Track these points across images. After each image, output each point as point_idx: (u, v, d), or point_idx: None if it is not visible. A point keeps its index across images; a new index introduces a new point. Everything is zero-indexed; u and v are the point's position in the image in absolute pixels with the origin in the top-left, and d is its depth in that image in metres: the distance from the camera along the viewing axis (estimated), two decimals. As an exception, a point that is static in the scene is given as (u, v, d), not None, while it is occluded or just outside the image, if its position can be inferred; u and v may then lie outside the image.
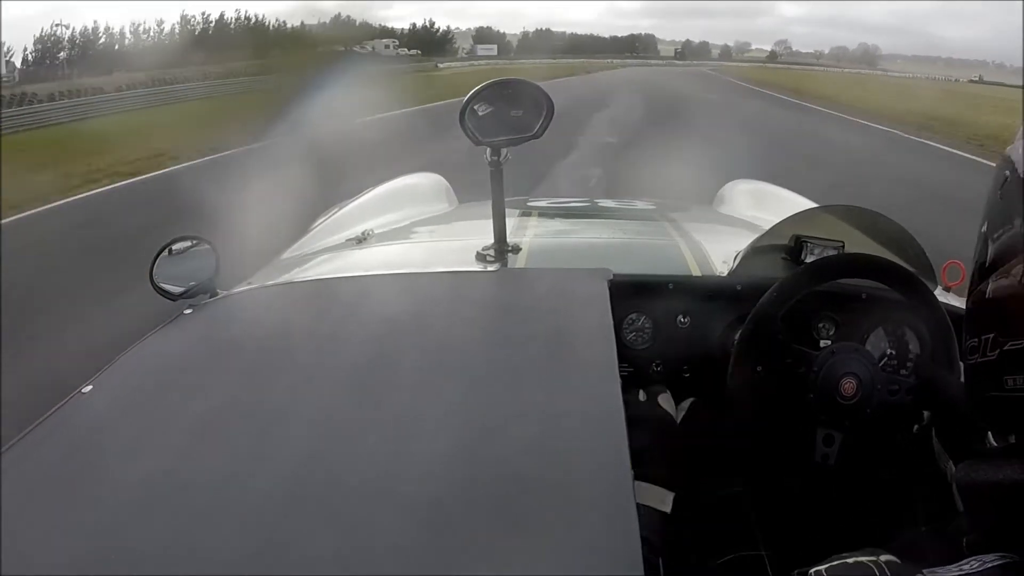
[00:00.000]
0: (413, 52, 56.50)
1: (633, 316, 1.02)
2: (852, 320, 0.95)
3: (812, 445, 0.82)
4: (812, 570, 0.46)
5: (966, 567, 0.42)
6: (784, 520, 0.83)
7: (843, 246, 0.97)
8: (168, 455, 0.58)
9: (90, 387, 0.70)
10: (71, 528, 0.50)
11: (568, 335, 0.76)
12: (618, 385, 0.63)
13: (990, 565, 0.42)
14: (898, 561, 0.45)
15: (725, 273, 1.02)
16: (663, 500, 0.74)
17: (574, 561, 0.45)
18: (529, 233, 1.24)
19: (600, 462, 0.54)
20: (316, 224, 1.65)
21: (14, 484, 0.54)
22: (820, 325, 0.98)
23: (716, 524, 0.86)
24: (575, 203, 1.92)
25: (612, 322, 0.77)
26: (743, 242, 1.04)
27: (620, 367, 0.68)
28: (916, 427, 0.81)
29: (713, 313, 1.00)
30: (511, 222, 1.16)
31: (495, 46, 65.37)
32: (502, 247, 1.06)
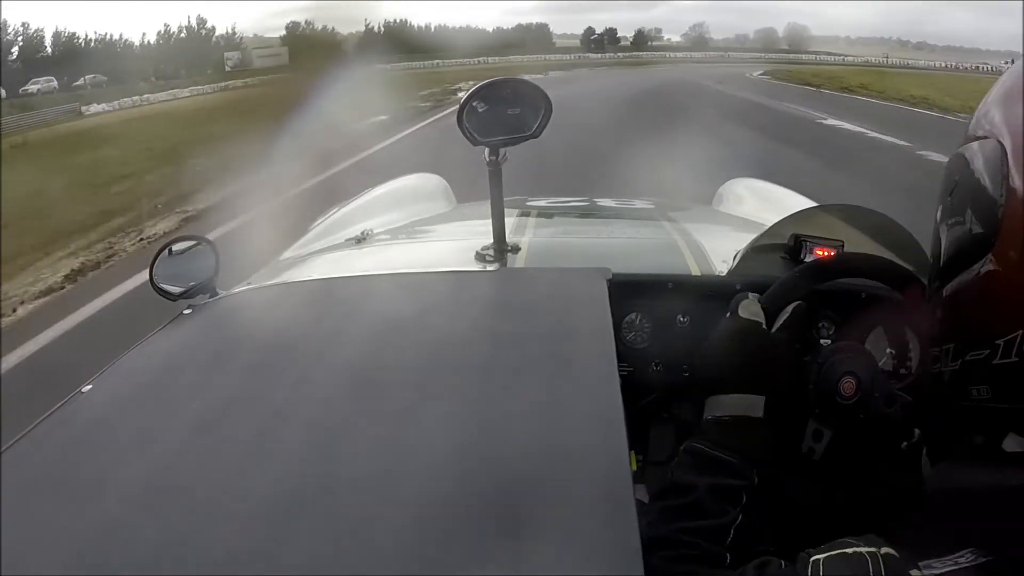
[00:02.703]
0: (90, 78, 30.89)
1: (632, 315, 1.02)
2: (852, 320, 0.95)
3: (800, 436, 0.82)
4: (812, 558, 0.46)
5: (962, 560, 0.42)
6: (774, 506, 0.83)
7: (843, 245, 0.97)
8: (168, 455, 0.58)
9: (90, 387, 0.71)
10: (71, 528, 0.50)
11: (567, 334, 0.76)
12: (617, 384, 0.63)
13: (984, 560, 0.42)
14: (896, 555, 0.44)
15: (725, 272, 1.02)
16: (754, 406, 0.71)
17: (574, 561, 0.45)
18: (528, 233, 1.24)
19: (600, 462, 0.54)
20: (315, 224, 1.65)
21: (14, 484, 0.54)
22: (820, 325, 0.98)
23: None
24: (574, 203, 1.92)
25: (611, 321, 0.77)
26: (743, 241, 1.04)
27: (619, 366, 0.67)
28: (905, 444, 0.81)
29: (713, 312, 1.00)
30: (510, 222, 1.16)
31: (285, 48, 39.66)
32: (501, 247, 1.06)
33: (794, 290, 0.83)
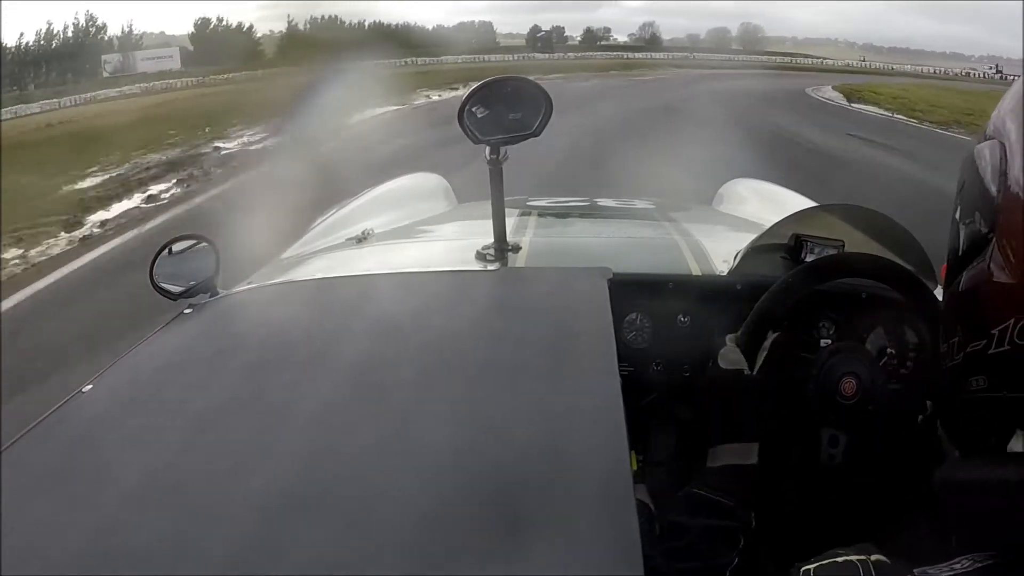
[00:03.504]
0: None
1: (633, 315, 1.02)
2: (852, 320, 0.95)
3: (817, 446, 0.82)
4: (802, 569, 0.47)
5: (957, 566, 0.42)
6: (784, 519, 0.83)
7: (843, 245, 0.97)
8: (168, 454, 0.58)
9: (90, 386, 0.71)
10: (72, 527, 0.50)
11: (568, 334, 0.76)
12: (618, 384, 0.63)
13: (980, 565, 0.42)
14: (888, 561, 0.45)
15: (725, 272, 1.02)
16: (747, 453, 0.74)
17: (574, 561, 0.45)
18: (529, 232, 1.24)
19: (600, 461, 0.54)
20: (316, 224, 1.65)
21: (14, 483, 0.54)
22: (820, 325, 0.98)
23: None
24: (575, 202, 1.92)
25: (612, 321, 0.77)
26: (743, 241, 1.04)
27: (620, 366, 0.67)
28: (920, 417, 0.80)
29: (713, 312, 1.00)
30: (511, 221, 1.16)
31: (176, 50, 33.27)
32: (502, 246, 1.06)
33: (794, 291, 0.83)
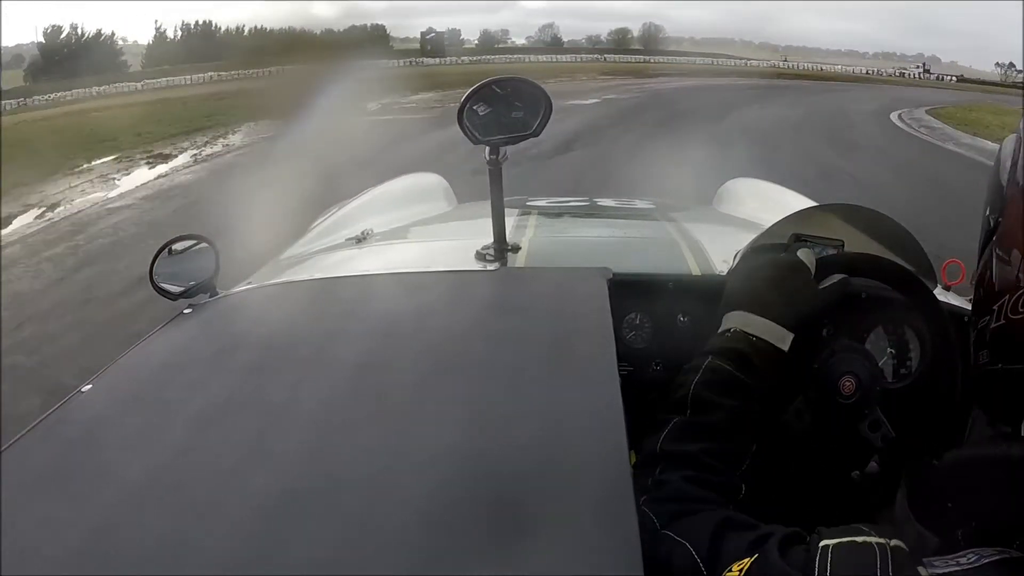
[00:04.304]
0: None
1: (633, 315, 1.02)
2: (852, 320, 0.95)
3: (864, 444, 0.80)
4: (822, 543, 0.46)
5: (963, 560, 0.42)
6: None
7: (843, 245, 0.97)
8: (168, 454, 0.58)
9: (90, 386, 0.70)
10: (71, 527, 0.50)
11: (568, 334, 0.76)
12: (617, 384, 0.63)
13: (987, 561, 0.42)
14: (905, 548, 0.45)
15: (725, 272, 1.02)
16: (782, 338, 0.71)
17: (574, 561, 0.45)
18: (529, 232, 1.24)
19: (599, 461, 0.54)
20: (316, 224, 1.65)
21: (14, 483, 0.54)
22: (820, 324, 0.98)
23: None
24: (574, 202, 1.92)
25: (611, 321, 0.77)
26: (743, 241, 1.04)
27: (620, 366, 0.67)
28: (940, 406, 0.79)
29: (713, 312, 1.00)
30: (511, 221, 1.16)
31: None
32: (502, 246, 1.06)
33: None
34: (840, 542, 0.46)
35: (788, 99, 15.99)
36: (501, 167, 0.99)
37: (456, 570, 0.44)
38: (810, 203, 1.49)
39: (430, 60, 32.16)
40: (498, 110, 0.95)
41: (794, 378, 0.81)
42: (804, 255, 0.79)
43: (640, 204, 1.86)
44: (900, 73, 33.21)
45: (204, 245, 0.99)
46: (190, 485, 0.54)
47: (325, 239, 1.44)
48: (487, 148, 0.97)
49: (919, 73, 34.15)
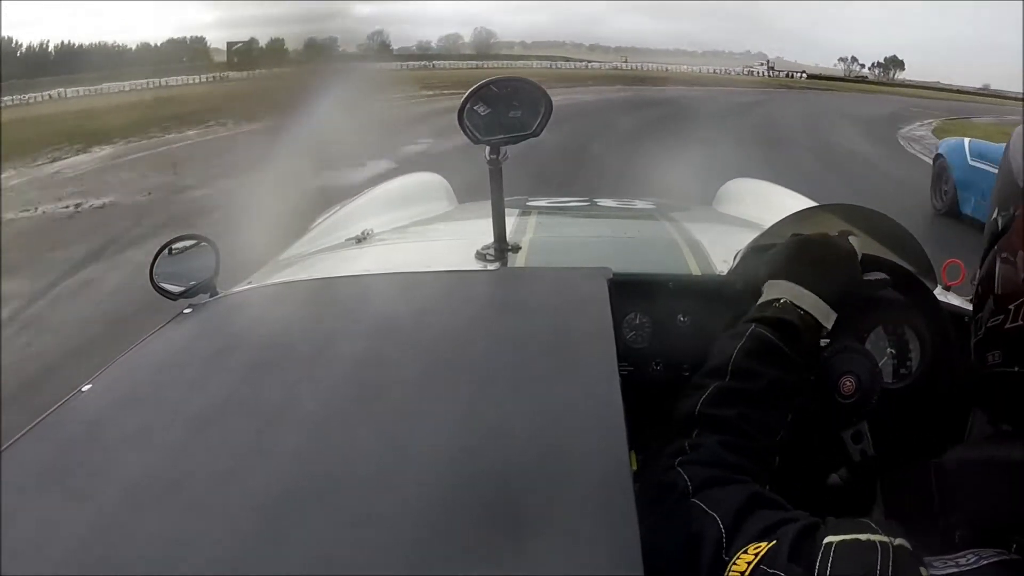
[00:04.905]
0: None
1: (633, 315, 1.02)
2: (852, 319, 0.95)
3: (842, 450, 0.80)
4: (826, 540, 0.46)
5: (963, 561, 0.42)
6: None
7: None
8: (168, 454, 0.58)
9: (89, 386, 0.70)
10: (71, 526, 0.50)
11: (568, 334, 0.76)
12: (617, 384, 0.63)
13: (986, 562, 0.42)
14: (908, 547, 0.44)
15: (725, 272, 1.02)
16: (827, 316, 0.71)
17: (574, 561, 0.45)
18: (529, 232, 1.24)
19: (600, 461, 0.54)
20: (316, 224, 1.65)
21: (14, 482, 0.54)
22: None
23: None
24: (575, 202, 1.92)
25: (612, 321, 0.77)
26: (743, 241, 1.04)
27: (620, 366, 0.67)
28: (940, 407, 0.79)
29: (713, 312, 1.00)
30: (511, 221, 1.16)
31: None
32: (502, 246, 1.06)
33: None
34: (844, 540, 0.45)
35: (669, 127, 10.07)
36: (501, 167, 0.99)
37: (456, 570, 0.44)
38: (810, 203, 1.49)
39: (236, 74, 26.63)
40: (498, 110, 0.95)
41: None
42: (856, 243, 0.79)
43: (640, 204, 1.86)
44: (748, 72, 33.55)
45: (204, 245, 0.99)
46: (190, 484, 0.54)
47: (325, 239, 1.44)
48: (487, 148, 0.97)
49: (766, 71, 34.94)
